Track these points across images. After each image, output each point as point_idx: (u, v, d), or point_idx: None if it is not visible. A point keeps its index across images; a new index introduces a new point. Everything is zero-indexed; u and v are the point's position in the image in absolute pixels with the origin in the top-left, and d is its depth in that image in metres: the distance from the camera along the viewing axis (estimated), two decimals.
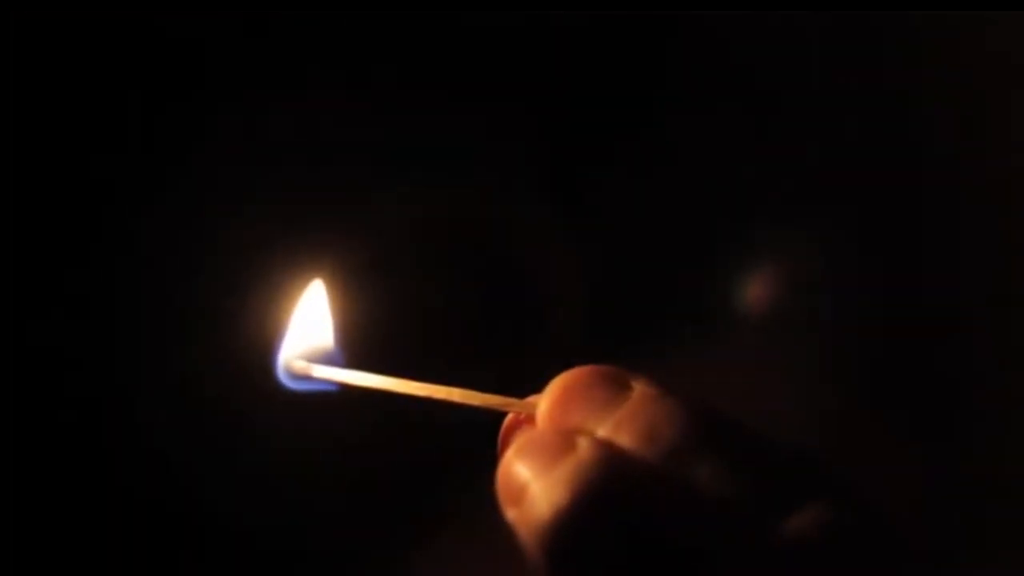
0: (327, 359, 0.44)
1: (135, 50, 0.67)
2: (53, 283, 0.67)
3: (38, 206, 0.67)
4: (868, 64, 0.68)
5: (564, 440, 0.33)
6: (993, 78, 0.65)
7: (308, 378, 0.43)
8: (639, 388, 0.34)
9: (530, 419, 0.37)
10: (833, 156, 0.69)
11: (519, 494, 0.33)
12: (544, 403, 0.36)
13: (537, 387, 0.37)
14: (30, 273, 0.67)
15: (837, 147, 0.69)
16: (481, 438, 0.39)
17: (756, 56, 0.68)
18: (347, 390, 0.42)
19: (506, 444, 0.38)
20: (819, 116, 0.69)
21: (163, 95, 0.68)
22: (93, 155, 0.67)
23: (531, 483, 0.33)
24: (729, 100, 0.69)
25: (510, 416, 0.38)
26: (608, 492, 0.32)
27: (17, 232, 0.66)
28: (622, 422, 0.33)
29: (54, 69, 0.67)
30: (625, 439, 0.33)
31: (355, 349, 0.44)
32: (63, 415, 0.67)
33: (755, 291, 0.69)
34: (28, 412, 0.67)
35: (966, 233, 0.67)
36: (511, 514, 0.33)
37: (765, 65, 0.68)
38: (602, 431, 0.34)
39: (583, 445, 0.33)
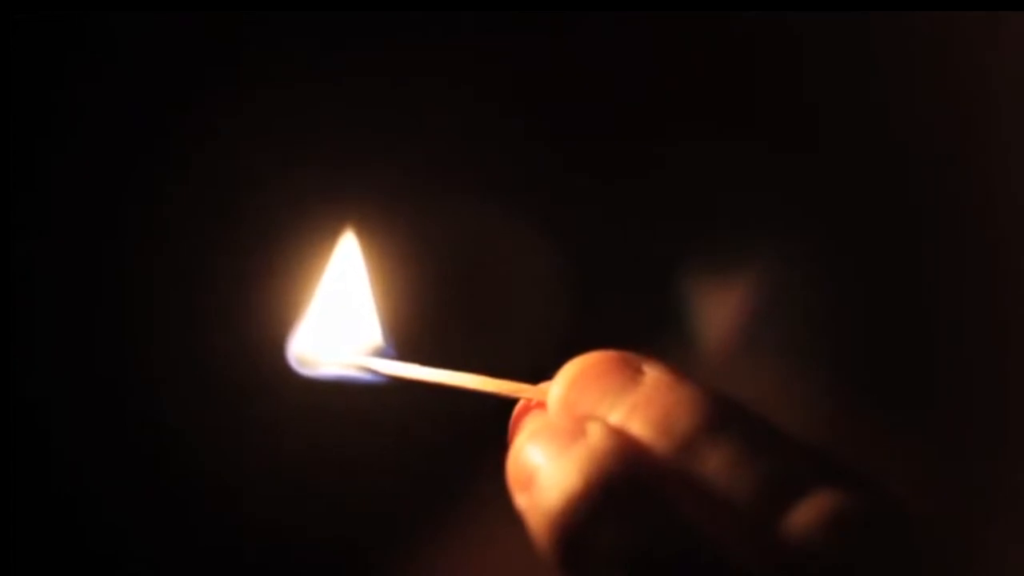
0: (350, 347, 0.43)
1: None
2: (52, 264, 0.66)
3: (40, 172, 0.66)
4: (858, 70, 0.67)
5: (576, 426, 0.33)
6: (972, 79, 0.64)
7: (325, 365, 0.43)
8: (652, 373, 0.34)
9: (542, 405, 0.37)
10: (816, 163, 0.68)
11: (529, 480, 0.33)
12: (556, 388, 0.35)
13: (548, 375, 0.37)
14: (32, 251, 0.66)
15: (821, 154, 0.68)
16: (493, 424, 0.39)
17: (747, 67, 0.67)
18: (360, 376, 0.42)
19: (517, 430, 0.37)
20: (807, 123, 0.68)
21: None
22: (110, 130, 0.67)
23: (541, 469, 0.32)
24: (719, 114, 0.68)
25: (522, 402, 0.38)
26: (619, 479, 0.31)
27: (22, 205, 0.66)
28: (635, 408, 0.33)
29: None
30: (638, 425, 0.33)
31: (368, 336, 0.44)
32: (68, 399, 0.67)
33: (745, 295, 0.68)
34: (31, 404, 0.66)
35: (963, 232, 0.66)
36: (521, 500, 0.33)
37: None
38: (614, 417, 0.33)
39: (594, 431, 0.32)
